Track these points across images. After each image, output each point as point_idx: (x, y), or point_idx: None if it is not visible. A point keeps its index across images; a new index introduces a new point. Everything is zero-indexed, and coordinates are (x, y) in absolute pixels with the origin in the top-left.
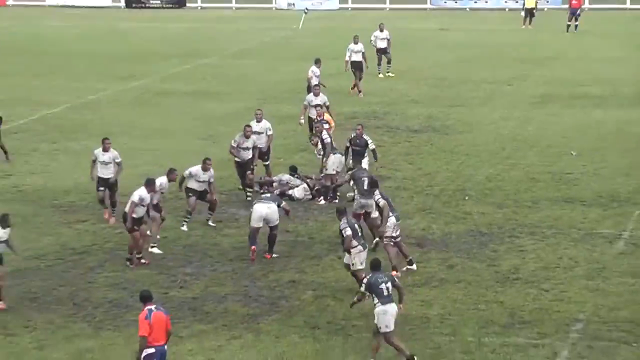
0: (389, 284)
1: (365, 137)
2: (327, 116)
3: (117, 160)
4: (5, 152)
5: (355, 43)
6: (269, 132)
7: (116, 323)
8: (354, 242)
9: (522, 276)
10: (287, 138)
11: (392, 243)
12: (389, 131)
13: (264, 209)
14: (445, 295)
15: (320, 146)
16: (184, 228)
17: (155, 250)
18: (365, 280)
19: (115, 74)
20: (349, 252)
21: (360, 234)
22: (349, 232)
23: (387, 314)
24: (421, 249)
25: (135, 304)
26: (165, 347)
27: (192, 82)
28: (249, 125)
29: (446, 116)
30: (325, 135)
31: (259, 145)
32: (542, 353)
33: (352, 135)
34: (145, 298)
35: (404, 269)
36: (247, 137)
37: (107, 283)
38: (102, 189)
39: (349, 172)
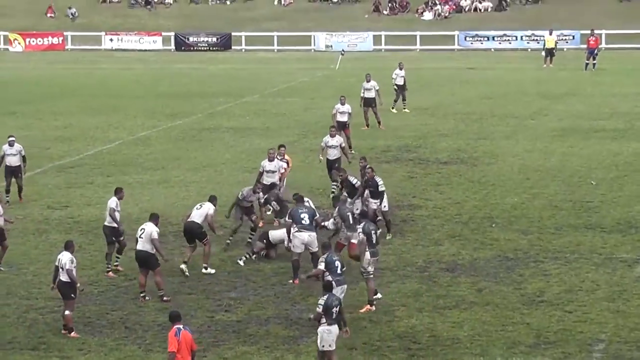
0: (338, 308)
1: (376, 179)
2: (287, 156)
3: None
4: (20, 191)
5: (367, 81)
6: (282, 171)
7: (165, 345)
8: (329, 278)
9: (546, 299)
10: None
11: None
12: (421, 163)
13: (305, 237)
14: (475, 317)
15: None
16: (241, 262)
17: (209, 270)
18: (322, 301)
19: (164, 112)
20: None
21: (339, 269)
22: (322, 266)
23: (331, 334)
24: (451, 274)
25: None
26: None
27: (236, 119)
28: (259, 182)
29: (473, 149)
30: (353, 179)
31: (272, 182)
32: None
33: (365, 178)
34: (174, 317)
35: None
36: (255, 192)
37: (156, 307)
38: (113, 239)
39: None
